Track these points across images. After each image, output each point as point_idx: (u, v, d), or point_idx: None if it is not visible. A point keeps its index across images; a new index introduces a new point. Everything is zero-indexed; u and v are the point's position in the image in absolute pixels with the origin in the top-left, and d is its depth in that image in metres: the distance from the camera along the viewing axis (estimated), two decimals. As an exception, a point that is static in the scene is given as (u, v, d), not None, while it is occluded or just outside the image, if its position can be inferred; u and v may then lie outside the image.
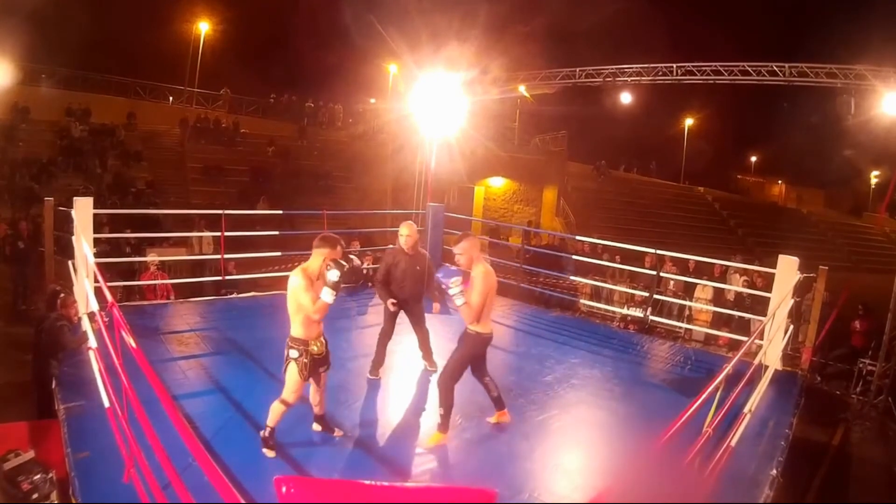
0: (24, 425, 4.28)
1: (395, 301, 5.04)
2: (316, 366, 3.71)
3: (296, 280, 3.55)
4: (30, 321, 6.89)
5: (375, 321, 5.50)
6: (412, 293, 5.18)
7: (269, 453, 3.67)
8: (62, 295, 5.35)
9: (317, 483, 2.50)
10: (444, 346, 5.45)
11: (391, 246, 5.18)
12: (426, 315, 5.38)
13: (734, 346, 7.31)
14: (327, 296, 3.48)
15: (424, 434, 4.21)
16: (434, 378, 5.21)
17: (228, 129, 20.01)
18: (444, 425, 4.06)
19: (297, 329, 3.63)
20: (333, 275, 3.45)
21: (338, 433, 4.05)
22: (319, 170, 19.27)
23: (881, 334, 7.96)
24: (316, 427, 4.07)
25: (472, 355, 4.11)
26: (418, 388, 5.09)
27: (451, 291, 3.85)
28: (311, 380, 3.79)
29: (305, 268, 3.62)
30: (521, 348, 6.32)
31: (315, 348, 3.67)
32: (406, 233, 5.10)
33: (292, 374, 3.64)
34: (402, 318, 5.29)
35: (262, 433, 3.73)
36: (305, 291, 3.51)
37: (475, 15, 16.06)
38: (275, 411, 3.69)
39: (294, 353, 3.62)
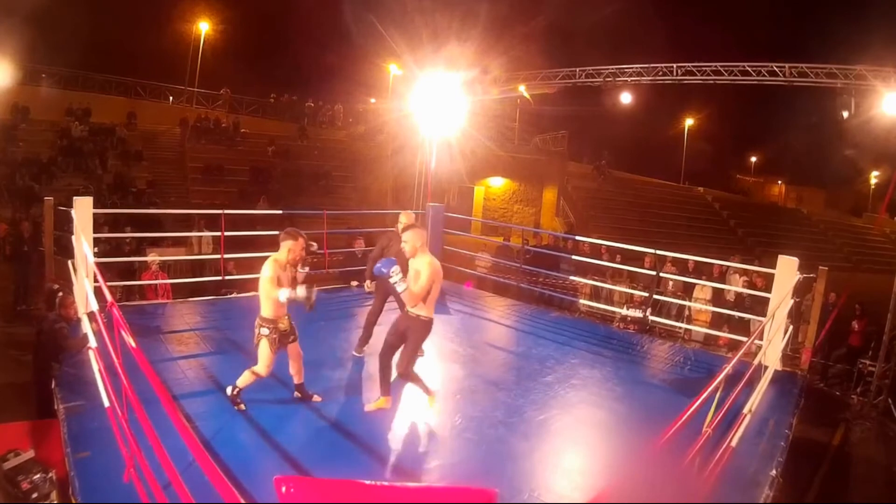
0: (24, 425, 4.28)
1: (372, 283, 5.49)
2: (284, 339, 4.18)
3: (266, 271, 4.03)
4: (30, 321, 6.89)
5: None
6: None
7: (241, 407, 4.15)
8: (60, 294, 5.35)
9: (317, 483, 2.50)
10: (444, 344, 5.48)
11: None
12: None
13: (734, 346, 7.31)
14: (283, 296, 3.99)
15: (428, 436, 4.22)
16: (427, 371, 5.27)
17: (228, 129, 20.02)
18: (426, 389, 4.45)
19: (266, 310, 4.10)
20: (301, 290, 4.03)
21: (316, 398, 4.46)
22: (319, 170, 19.27)
23: (879, 334, 7.96)
24: (296, 394, 4.45)
25: (422, 339, 4.47)
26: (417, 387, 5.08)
27: (391, 280, 4.14)
28: (287, 352, 4.28)
29: (276, 259, 4.09)
30: (521, 348, 6.32)
31: (282, 325, 4.15)
32: (404, 220, 5.50)
33: (264, 349, 4.11)
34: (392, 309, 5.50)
35: (229, 390, 4.17)
36: (271, 282, 4.00)
37: (475, 15, 16.08)
38: (246, 378, 4.16)
39: (265, 331, 4.10)
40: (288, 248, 4.10)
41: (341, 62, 22.82)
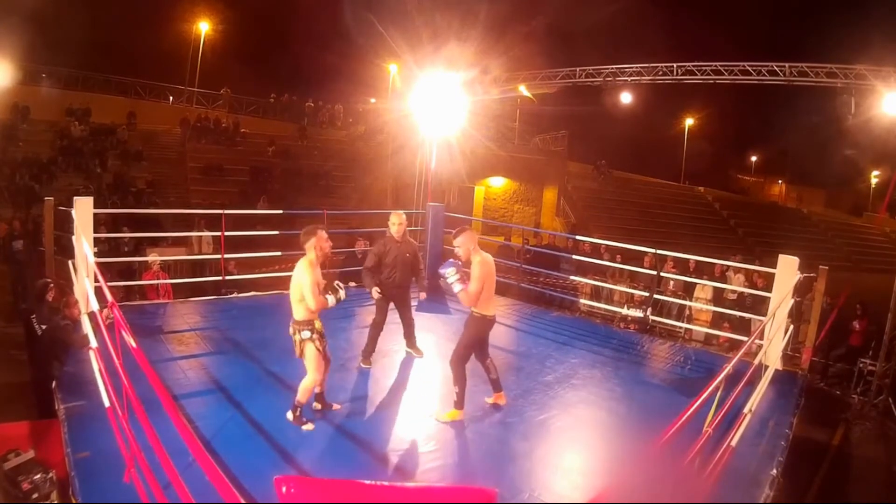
0: (24, 425, 4.28)
1: (379, 290, 5.34)
2: (323, 339, 4.11)
3: (304, 276, 3.92)
4: (22, 318, 6.87)
5: (375, 321, 5.58)
6: (401, 280, 5.46)
7: (308, 427, 4.03)
8: (52, 287, 5.35)
9: (317, 483, 2.50)
10: (444, 344, 5.48)
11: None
12: (413, 304, 5.72)
13: (734, 346, 7.31)
14: (331, 301, 4.03)
15: (428, 436, 4.22)
16: (428, 370, 5.32)
17: (228, 129, 20.01)
18: (459, 402, 4.36)
19: (300, 314, 4.00)
20: (331, 300, 4.04)
21: (336, 407, 4.40)
22: (319, 170, 19.27)
23: (879, 334, 7.96)
24: (316, 405, 4.35)
25: (477, 336, 4.42)
26: (418, 386, 5.09)
27: (448, 280, 4.21)
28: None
29: (310, 261, 3.99)
30: (521, 348, 6.32)
31: (318, 325, 4.09)
32: (397, 221, 5.42)
33: (312, 352, 4.00)
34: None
35: (293, 413, 4.05)
36: (311, 287, 3.90)
37: (475, 15, 16.07)
38: (305, 389, 4.05)
39: (307, 334, 4.00)
40: (313, 246, 4.03)
41: (341, 62, 22.81)
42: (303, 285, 3.91)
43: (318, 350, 4.02)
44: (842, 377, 8.59)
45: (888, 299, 7.85)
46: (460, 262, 4.29)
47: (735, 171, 35.95)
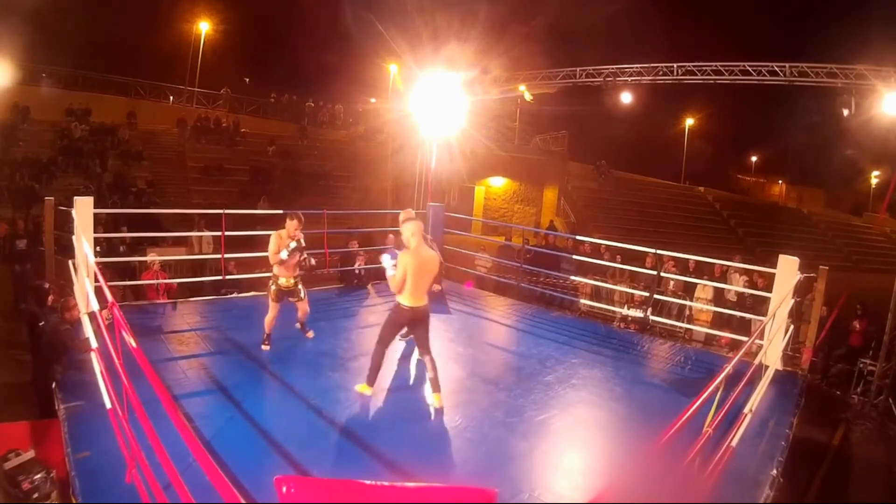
0: (24, 425, 4.28)
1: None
2: (283, 295, 5.49)
3: (271, 237, 5.36)
4: (24, 318, 6.87)
5: (375, 321, 5.55)
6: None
7: (265, 348, 5.44)
8: (51, 291, 5.34)
9: (317, 483, 2.50)
10: (446, 345, 5.48)
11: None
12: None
13: (734, 346, 7.31)
14: (283, 254, 5.28)
15: (428, 436, 4.22)
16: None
17: (229, 129, 20.00)
18: (370, 379, 4.65)
19: (274, 269, 5.41)
20: (291, 244, 5.29)
21: (310, 334, 5.84)
22: (320, 170, 19.26)
23: (879, 334, 7.96)
24: (297, 325, 5.88)
25: (393, 322, 4.64)
26: (418, 386, 5.09)
27: (384, 265, 4.66)
28: (297, 306, 5.70)
29: (279, 233, 5.36)
30: (521, 348, 6.33)
31: (283, 282, 5.45)
32: (401, 219, 5.51)
33: (270, 297, 5.49)
34: None
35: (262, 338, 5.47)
36: (274, 244, 5.33)
37: (475, 15, 16.08)
38: (267, 322, 5.49)
39: (271, 283, 5.48)
40: (291, 226, 5.34)
41: (341, 62, 22.82)
42: (269, 244, 5.32)
43: (272, 298, 5.44)
44: (842, 377, 8.58)
45: (888, 299, 7.84)
46: (397, 253, 4.61)
47: (735, 171, 35.91)
